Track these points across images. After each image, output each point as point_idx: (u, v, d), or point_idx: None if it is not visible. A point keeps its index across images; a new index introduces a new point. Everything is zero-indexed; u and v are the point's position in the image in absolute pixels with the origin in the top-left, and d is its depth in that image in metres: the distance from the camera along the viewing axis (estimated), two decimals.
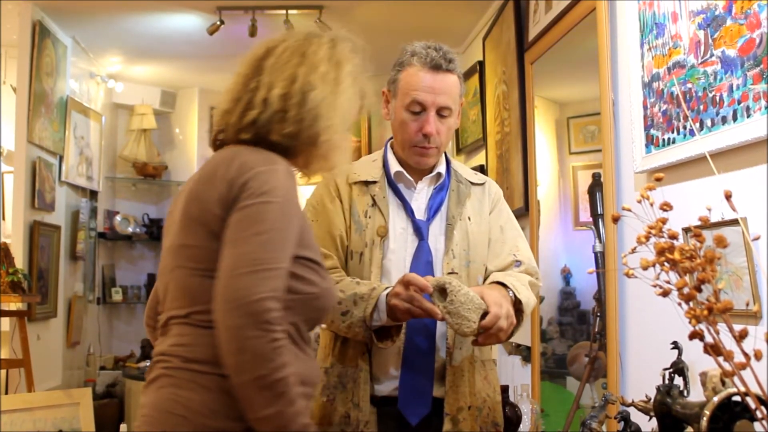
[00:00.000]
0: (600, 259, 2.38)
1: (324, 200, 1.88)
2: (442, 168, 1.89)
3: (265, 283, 1.22)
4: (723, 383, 1.22)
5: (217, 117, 1.47)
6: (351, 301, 1.72)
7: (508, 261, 1.88)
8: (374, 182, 1.87)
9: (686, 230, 1.42)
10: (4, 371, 3.87)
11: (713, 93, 1.69)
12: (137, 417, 1.37)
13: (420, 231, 1.83)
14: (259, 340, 1.19)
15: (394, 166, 1.88)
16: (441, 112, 1.80)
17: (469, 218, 1.87)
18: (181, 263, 1.35)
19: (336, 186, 1.89)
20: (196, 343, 1.31)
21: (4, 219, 4.65)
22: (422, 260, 1.81)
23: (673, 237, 1.08)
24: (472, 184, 1.94)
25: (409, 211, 1.85)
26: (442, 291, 1.65)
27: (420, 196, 1.88)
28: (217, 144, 1.47)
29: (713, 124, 1.69)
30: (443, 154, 1.92)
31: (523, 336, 3.16)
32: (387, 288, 1.72)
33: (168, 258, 1.40)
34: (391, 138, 1.96)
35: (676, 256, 1.05)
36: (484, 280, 1.89)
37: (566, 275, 2.90)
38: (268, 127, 1.38)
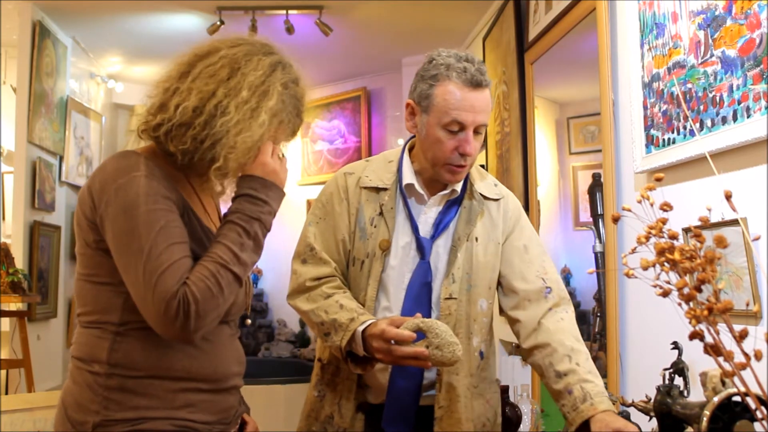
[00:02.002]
0: (600, 259, 2.38)
1: (333, 200, 1.82)
2: (458, 185, 1.81)
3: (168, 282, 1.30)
4: (723, 383, 1.22)
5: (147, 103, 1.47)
6: (332, 325, 1.69)
7: (537, 286, 1.78)
8: (385, 189, 1.80)
9: (686, 230, 1.42)
10: (4, 371, 3.88)
11: (713, 93, 1.69)
12: None
13: (422, 249, 1.77)
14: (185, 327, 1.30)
15: (408, 177, 1.80)
16: (477, 130, 1.72)
17: (476, 239, 1.79)
18: (76, 268, 1.45)
19: (345, 186, 1.82)
20: (78, 341, 1.41)
21: (3, 219, 4.65)
22: (420, 281, 1.76)
23: (673, 237, 1.08)
24: (487, 199, 1.85)
25: (414, 227, 1.78)
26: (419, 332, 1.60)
27: (430, 211, 1.81)
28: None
29: (713, 125, 1.69)
30: None
31: None
32: (365, 322, 1.66)
33: None
34: (411, 139, 1.87)
35: (676, 256, 1.05)
36: (512, 322, 1.81)
37: (566, 275, 2.90)
38: (169, 136, 1.38)
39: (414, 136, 1.86)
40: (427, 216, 1.80)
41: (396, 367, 1.73)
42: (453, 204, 1.81)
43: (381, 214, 1.78)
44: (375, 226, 1.78)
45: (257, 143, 1.40)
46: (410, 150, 1.86)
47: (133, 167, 1.35)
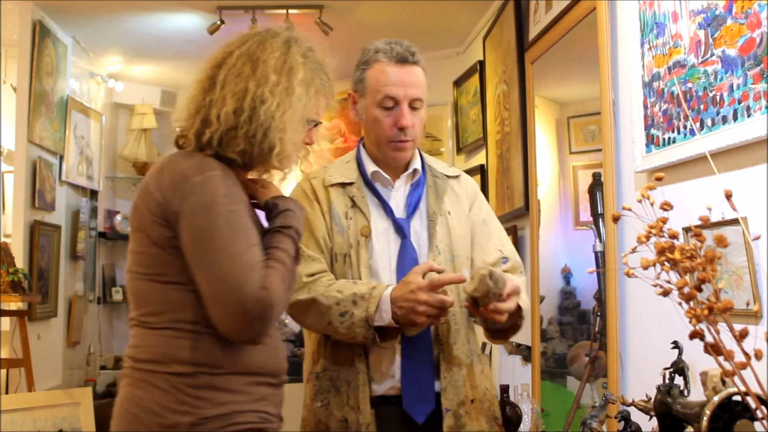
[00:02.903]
0: (600, 258, 2.38)
1: (302, 204, 1.84)
2: (417, 164, 1.89)
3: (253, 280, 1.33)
4: (723, 383, 1.22)
5: (179, 121, 1.50)
6: (350, 301, 1.69)
7: (495, 257, 1.88)
8: (351, 183, 1.85)
9: (686, 230, 1.42)
10: (4, 371, 3.87)
11: (713, 92, 1.69)
12: None
13: (402, 229, 1.82)
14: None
15: (370, 166, 1.87)
16: (413, 105, 1.80)
17: (449, 213, 1.87)
18: (130, 268, 1.43)
19: (312, 189, 1.87)
20: (144, 344, 1.39)
21: (4, 211, 4.64)
22: (408, 258, 1.81)
23: (674, 236, 1.08)
24: (448, 177, 1.94)
25: (388, 211, 1.84)
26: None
27: (398, 194, 1.87)
28: (179, 146, 1.51)
29: (713, 124, 1.69)
30: (416, 150, 1.91)
31: (523, 336, 3.16)
32: (388, 287, 1.70)
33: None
34: (363, 138, 1.95)
35: (677, 255, 1.05)
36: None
37: (566, 275, 2.90)
38: (223, 144, 1.41)
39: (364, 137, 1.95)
40: (396, 200, 1.87)
41: (405, 344, 1.76)
42: (417, 185, 1.88)
43: (354, 205, 1.84)
44: (350, 218, 1.83)
45: (303, 117, 1.46)
46: (364, 146, 1.93)
47: (207, 166, 1.38)
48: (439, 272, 1.67)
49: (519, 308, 1.75)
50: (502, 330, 1.81)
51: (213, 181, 1.35)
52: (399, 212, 1.85)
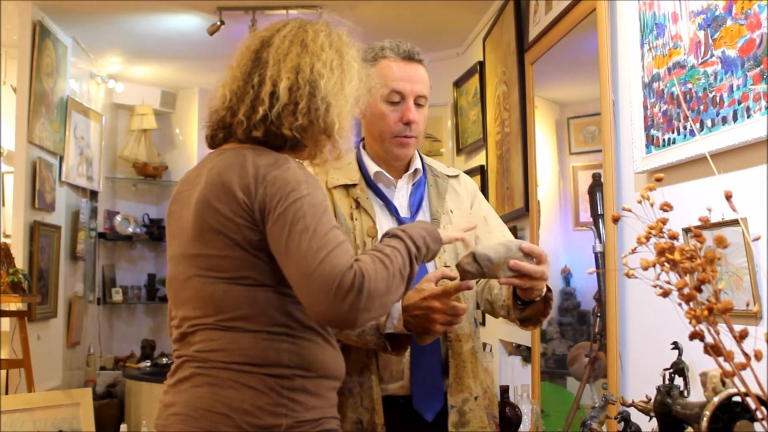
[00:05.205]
0: (600, 259, 2.38)
1: None
2: (418, 164, 1.90)
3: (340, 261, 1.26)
4: (723, 383, 1.22)
5: (213, 114, 1.46)
6: None
7: None
8: (354, 185, 1.85)
9: (686, 230, 1.42)
10: (4, 371, 3.88)
11: (713, 93, 1.69)
12: (161, 416, 1.39)
13: None
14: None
15: (372, 167, 1.87)
16: (418, 101, 1.82)
17: (451, 211, 1.89)
18: (199, 272, 1.36)
19: None
20: (233, 347, 1.34)
21: (4, 208, 4.65)
22: None
23: (674, 237, 1.08)
24: (448, 177, 1.96)
25: (393, 210, 1.84)
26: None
27: (400, 194, 1.88)
28: (216, 142, 1.47)
29: (713, 125, 1.69)
30: (416, 151, 1.92)
31: (523, 336, 3.16)
32: None
33: (180, 266, 1.41)
34: (361, 140, 1.95)
35: (677, 256, 1.05)
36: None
37: (566, 275, 2.90)
38: (280, 121, 1.37)
39: (363, 139, 1.95)
40: (400, 199, 1.87)
41: (415, 345, 1.75)
42: (419, 184, 1.89)
43: (358, 207, 1.83)
44: (355, 220, 1.82)
45: (354, 97, 1.45)
46: (364, 147, 1.94)
47: (282, 159, 1.36)
48: (452, 279, 1.67)
49: (546, 295, 1.75)
50: (529, 317, 1.81)
51: (291, 170, 1.33)
52: (403, 212, 1.86)
